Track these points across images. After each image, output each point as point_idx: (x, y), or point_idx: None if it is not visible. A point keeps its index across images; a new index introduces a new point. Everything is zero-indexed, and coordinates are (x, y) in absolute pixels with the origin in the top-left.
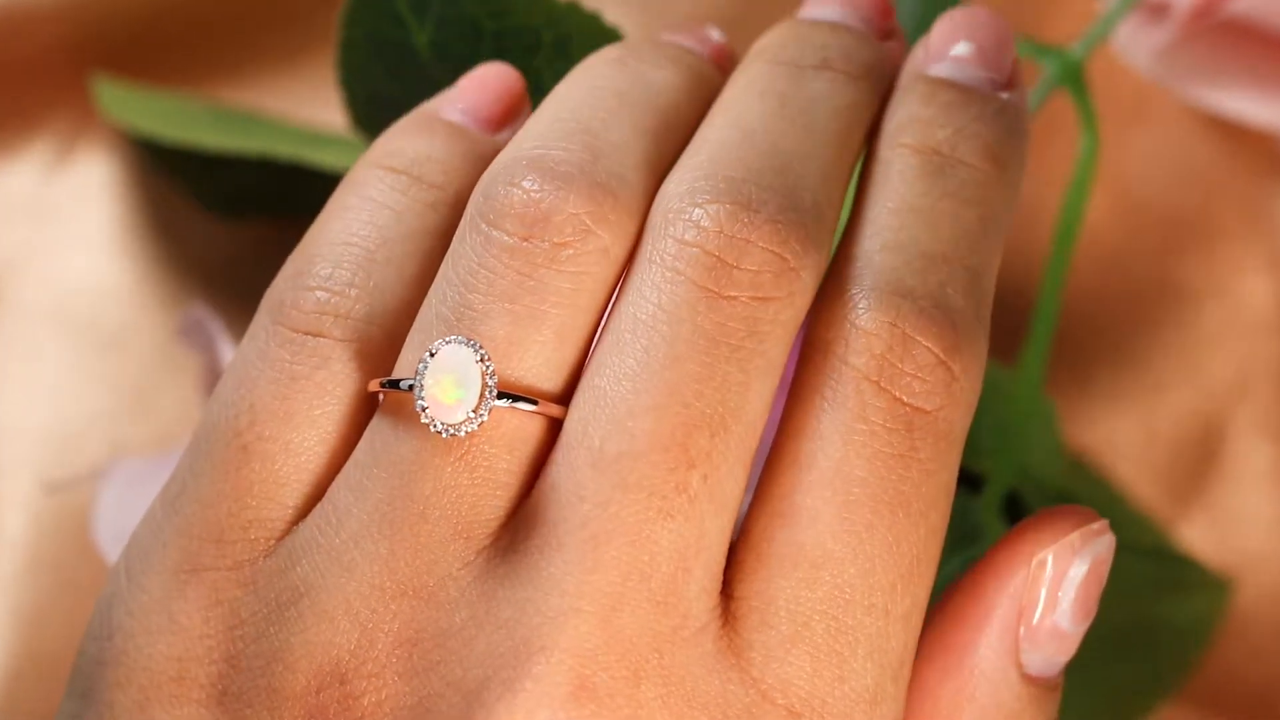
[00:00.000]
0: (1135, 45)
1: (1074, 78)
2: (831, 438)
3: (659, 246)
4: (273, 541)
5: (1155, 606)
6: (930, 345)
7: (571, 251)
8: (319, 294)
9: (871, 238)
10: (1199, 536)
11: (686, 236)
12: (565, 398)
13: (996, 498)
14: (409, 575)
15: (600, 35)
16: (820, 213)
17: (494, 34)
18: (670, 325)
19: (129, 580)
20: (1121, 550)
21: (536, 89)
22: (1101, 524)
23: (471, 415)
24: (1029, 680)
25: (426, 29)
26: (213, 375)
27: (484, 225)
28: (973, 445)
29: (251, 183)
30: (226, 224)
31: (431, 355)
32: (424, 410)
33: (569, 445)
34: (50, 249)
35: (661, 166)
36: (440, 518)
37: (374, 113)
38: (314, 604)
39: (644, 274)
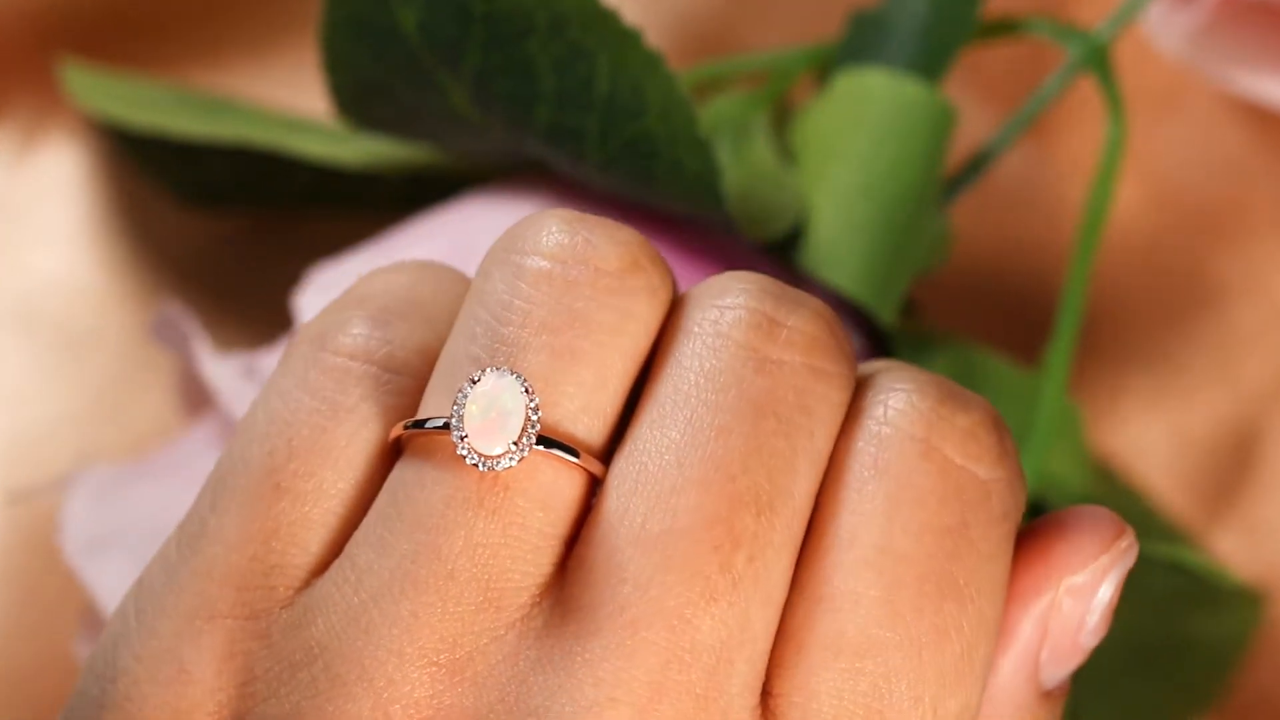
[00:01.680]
0: (1165, 28)
1: (1100, 62)
2: (873, 512)
3: (698, 316)
4: (292, 592)
5: (1185, 622)
6: (982, 408)
7: (615, 282)
8: (370, 322)
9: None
10: (1232, 548)
11: (727, 301)
12: (602, 455)
13: None
14: (433, 643)
15: (598, 18)
16: None
17: (484, 16)
18: (716, 394)
19: (138, 621)
20: (1150, 563)
21: (530, 76)
22: (1130, 540)
23: (512, 448)
24: (1044, 696)
25: (413, 11)
26: (187, 377)
27: (515, 257)
28: None
29: (228, 173)
30: (202, 216)
31: (473, 383)
32: (462, 440)
33: (608, 523)
34: (13, 244)
35: None
36: (469, 579)
37: (359, 99)
38: (327, 667)
39: (684, 345)
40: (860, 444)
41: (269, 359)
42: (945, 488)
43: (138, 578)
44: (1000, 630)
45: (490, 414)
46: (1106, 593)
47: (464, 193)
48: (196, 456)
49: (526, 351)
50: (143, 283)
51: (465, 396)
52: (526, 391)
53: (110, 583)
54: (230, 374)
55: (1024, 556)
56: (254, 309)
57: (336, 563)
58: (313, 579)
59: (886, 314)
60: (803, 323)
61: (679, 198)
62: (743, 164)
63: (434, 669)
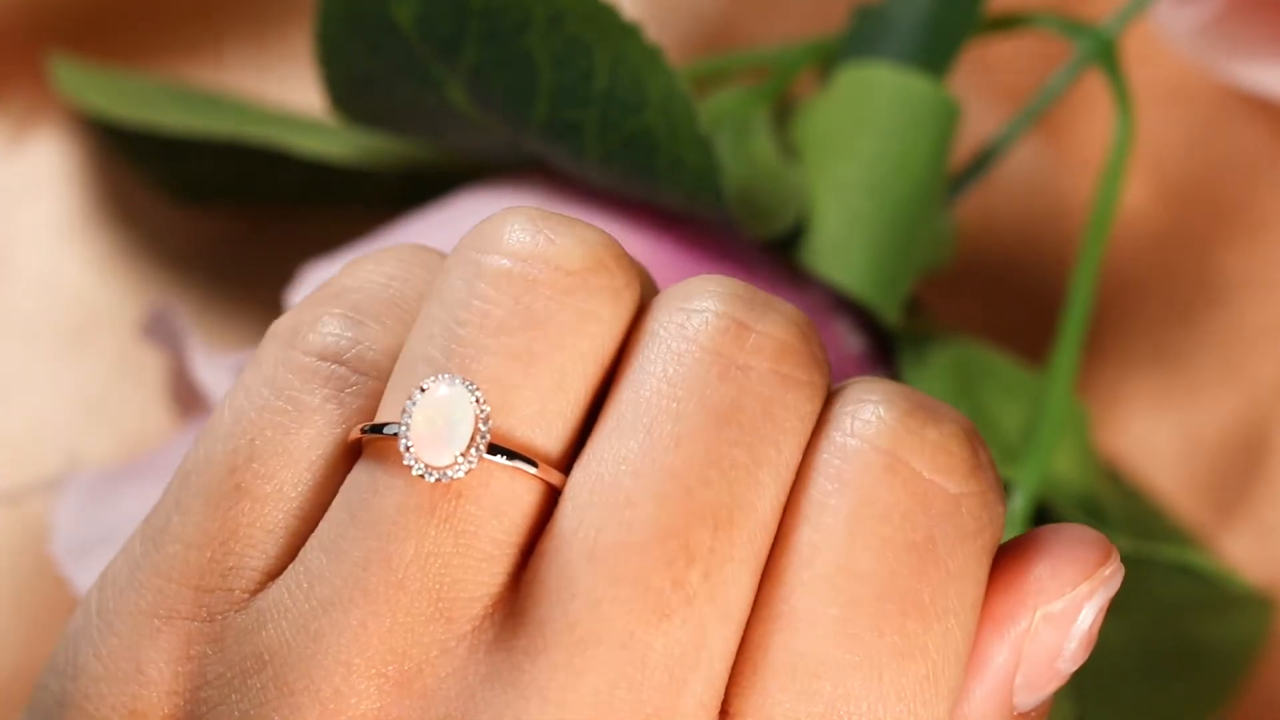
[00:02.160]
0: (1173, 22)
1: (1107, 56)
2: (834, 527)
3: (664, 320)
4: (247, 595)
5: (1194, 627)
6: (954, 420)
7: (577, 282)
8: (343, 321)
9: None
10: (1243, 551)
11: (695, 305)
12: (561, 464)
13: (1024, 509)
14: (381, 655)
15: (597, 12)
16: None
17: (482, 11)
18: (676, 402)
19: (99, 618)
20: (1158, 567)
21: (528, 71)
22: (1114, 566)
23: (459, 459)
24: (1019, 719)
25: (410, 4)
26: (178, 377)
27: (475, 254)
28: (999, 452)
29: (220, 169)
30: (193, 213)
31: (422, 391)
32: (408, 450)
33: (561, 536)
34: (1, 242)
35: None
36: (420, 590)
37: (354, 93)
38: (275, 675)
39: (647, 350)
40: (825, 456)
41: None
42: (910, 502)
43: (102, 571)
44: (972, 653)
45: (437, 424)
46: (1087, 620)
47: (460, 190)
48: None
49: (482, 354)
50: (133, 281)
51: (414, 405)
52: (477, 401)
53: None
54: (223, 374)
55: (1000, 577)
56: (247, 307)
57: (291, 567)
58: (269, 582)
59: (890, 312)
60: (772, 328)
61: (679, 194)
62: (744, 160)
63: (381, 681)
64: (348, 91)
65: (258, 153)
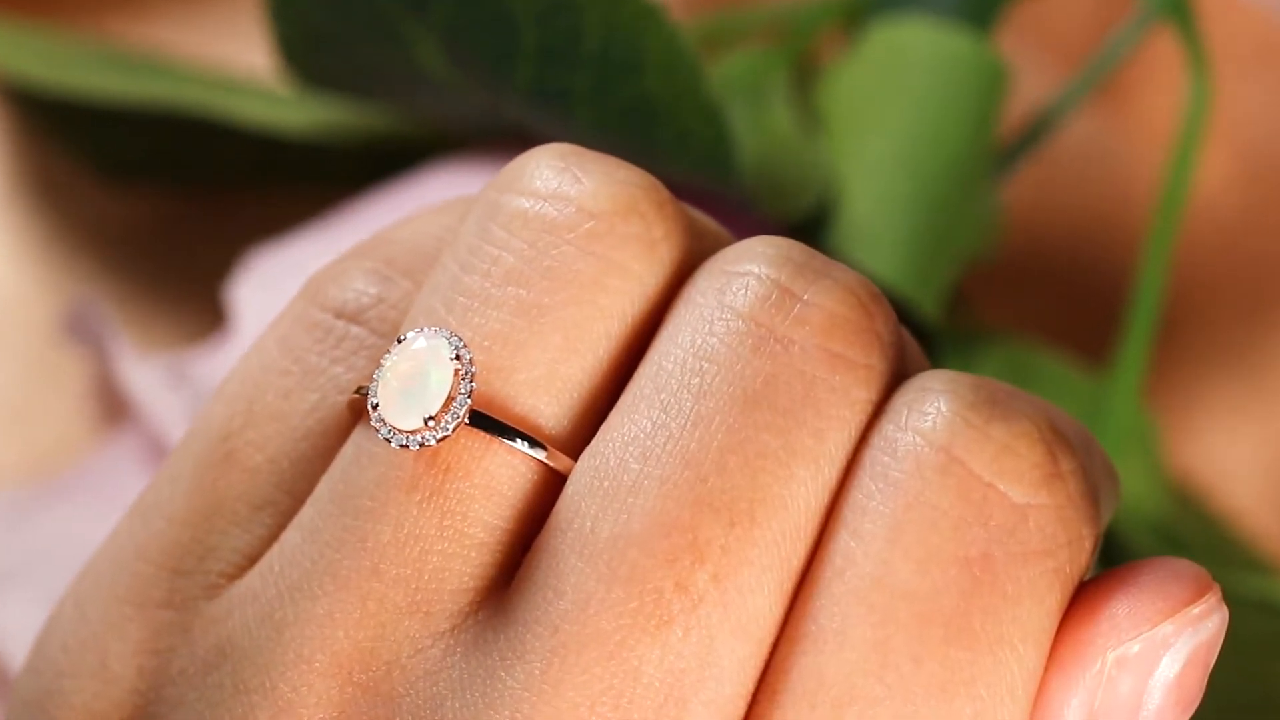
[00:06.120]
0: None
1: (1179, 10)
2: (874, 534)
3: (703, 284)
4: (224, 580)
5: (1275, 669)
6: (1031, 417)
7: (603, 227)
8: (370, 276)
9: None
10: None
11: (741, 267)
12: (573, 441)
13: None
14: (347, 652)
15: None
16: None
17: None
18: (701, 376)
19: (75, 606)
20: (1238, 602)
21: (509, 29)
22: (1209, 604)
23: (430, 423)
24: None
25: None
26: (103, 382)
27: (494, 194)
28: None
29: (154, 142)
30: (124, 194)
31: (399, 342)
32: (374, 409)
33: (557, 526)
34: None
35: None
36: (396, 578)
37: (308, 53)
38: (234, 671)
39: (680, 316)
40: (874, 452)
41: (200, 362)
42: (965, 510)
43: (92, 556)
44: (1037, 700)
45: (409, 381)
46: (1171, 668)
47: (430, 163)
48: (115, 475)
49: (486, 306)
50: (52, 272)
51: (391, 357)
52: (458, 356)
53: (12, 625)
54: (153, 379)
55: (1075, 613)
56: (182, 302)
57: (269, 549)
58: (250, 566)
59: (928, 306)
60: (823, 297)
61: (685, 169)
62: (759, 131)
63: (344, 682)
64: (302, 51)
65: (197, 123)
